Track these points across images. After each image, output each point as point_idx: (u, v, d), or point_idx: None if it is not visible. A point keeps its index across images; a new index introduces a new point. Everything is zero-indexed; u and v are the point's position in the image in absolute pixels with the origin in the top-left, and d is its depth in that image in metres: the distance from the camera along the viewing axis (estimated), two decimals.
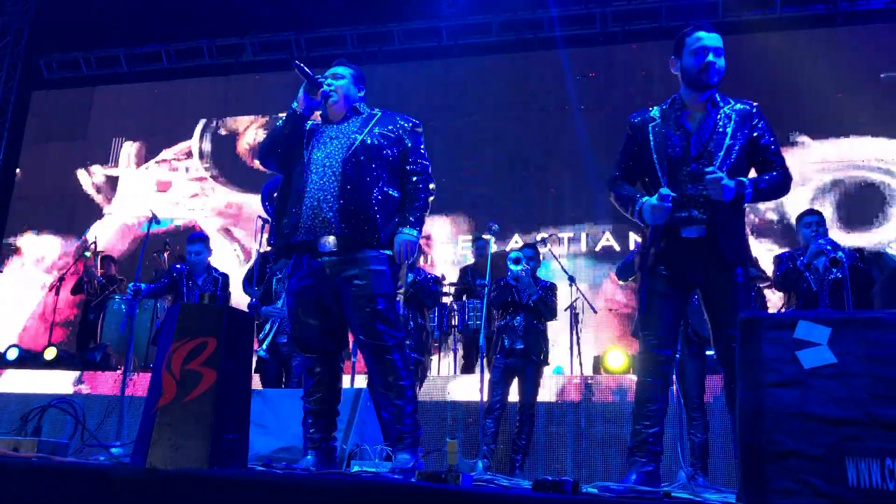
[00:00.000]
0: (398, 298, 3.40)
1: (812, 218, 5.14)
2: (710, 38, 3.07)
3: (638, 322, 3.34)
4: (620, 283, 5.55)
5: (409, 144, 3.29)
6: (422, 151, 3.34)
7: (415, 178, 3.27)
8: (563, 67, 10.08)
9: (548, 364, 5.68)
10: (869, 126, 9.06)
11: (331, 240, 3.08)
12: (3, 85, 11.85)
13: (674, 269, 3.06)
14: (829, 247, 4.83)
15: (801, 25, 9.81)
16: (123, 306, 7.78)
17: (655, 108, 3.24)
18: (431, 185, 3.31)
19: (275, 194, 3.41)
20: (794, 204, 8.39)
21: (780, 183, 3.09)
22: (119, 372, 6.49)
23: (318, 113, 3.36)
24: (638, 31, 10.19)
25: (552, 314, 5.65)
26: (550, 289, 5.65)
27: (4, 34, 11.93)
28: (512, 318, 5.49)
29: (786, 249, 5.43)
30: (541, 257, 5.92)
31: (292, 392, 4.98)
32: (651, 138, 3.13)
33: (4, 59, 11.90)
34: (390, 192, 3.21)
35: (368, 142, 3.19)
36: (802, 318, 2.07)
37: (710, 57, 3.04)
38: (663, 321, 3.07)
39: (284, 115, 3.27)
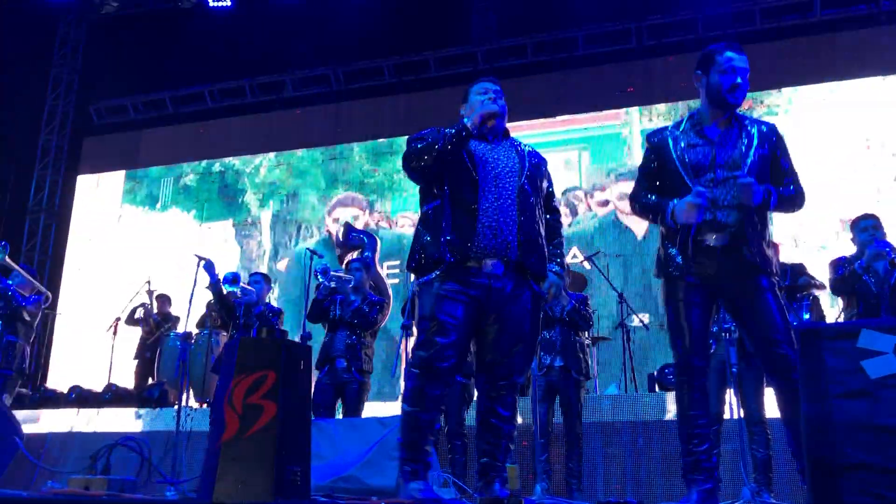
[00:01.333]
0: None
1: (868, 222, 5.01)
2: (741, 60, 3.11)
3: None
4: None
5: (548, 175, 3.34)
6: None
7: (557, 214, 3.37)
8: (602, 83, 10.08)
9: (589, 378, 5.58)
10: None
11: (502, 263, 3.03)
12: (56, 133, 12.29)
13: (700, 276, 3.04)
14: (888, 249, 4.72)
15: (842, 28, 9.65)
16: (178, 343, 7.93)
17: (671, 125, 3.28)
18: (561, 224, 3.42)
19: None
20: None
21: (798, 195, 3.12)
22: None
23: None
24: (674, 44, 10.14)
25: (587, 324, 5.52)
26: (583, 300, 5.52)
27: (56, 85, 12.39)
28: (547, 332, 5.36)
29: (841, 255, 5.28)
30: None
31: (348, 422, 5.02)
32: (672, 149, 3.15)
33: (57, 109, 12.35)
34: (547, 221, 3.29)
35: (529, 171, 3.19)
36: (865, 327, 2.03)
37: (739, 79, 3.07)
38: (693, 331, 3.03)
39: (452, 129, 3.09)
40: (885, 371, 1.95)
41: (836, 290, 5.17)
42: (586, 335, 5.76)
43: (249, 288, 6.06)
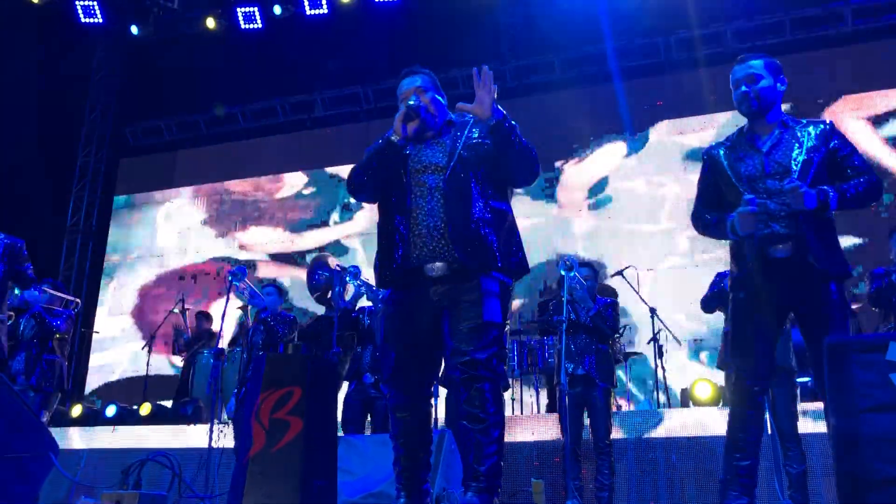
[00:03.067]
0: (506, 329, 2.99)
1: None
2: (739, 69, 3.16)
3: (726, 350, 3.27)
4: (706, 314, 5.33)
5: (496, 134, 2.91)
6: None
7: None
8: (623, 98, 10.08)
9: (616, 386, 5.45)
10: None
11: (439, 265, 2.82)
12: (94, 155, 12.57)
13: (765, 291, 3.00)
14: None
15: (877, 37, 9.54)
16: (211, 360, 8.01)
17: (724, 139, 3.29)
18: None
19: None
20: None
21: (867, 189, 3.00)
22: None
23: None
24: (705, 57, 10.09)
25: (613, 329, 5.32)
26: (611, 305, 5.33)
27: (93, 109, 12.69)
28: (571, 339, 5.12)
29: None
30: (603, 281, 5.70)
31: (377, 438, 5.03)
32: (724, 162, 3.16)
33: (94, 131, 12.64)
34: (502, 208, 2.93)
35: (463, 153, 2.92)
36: (894, 340, 2.01)
37: (743, 88, 3.11)
38: (756, 348, 2.99)
39: (376, 145, 2.99)
40: None
41: (873, 303, 5.09)
42: (615, 343, 5.64)
43: (258, 292, 6.06)
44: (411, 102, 2.98)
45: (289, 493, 2.29)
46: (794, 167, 3.00)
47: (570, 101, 10.52)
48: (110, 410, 8.21)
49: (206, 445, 5.45)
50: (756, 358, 2.99)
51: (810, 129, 3.10)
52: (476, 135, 2.96)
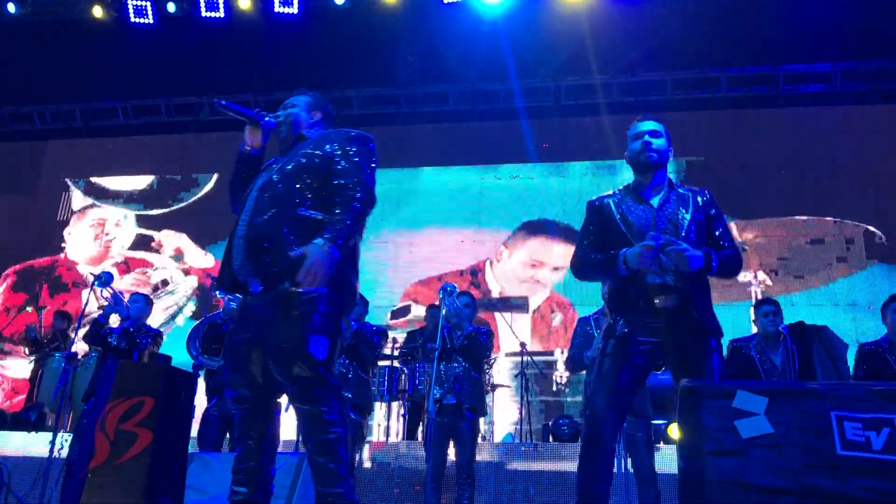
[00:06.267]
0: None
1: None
2: (645, 125, 3.29)
3: (590, 388, 3.29)
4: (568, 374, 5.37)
5: (342, 157, 2.86)
6: (362, 159, 2.88)
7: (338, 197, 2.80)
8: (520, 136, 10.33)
9: (485, 415, 5.44)
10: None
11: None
12: None
13: (647, 334, 3.04)
14: None
15: (746, 105, 10.26)
16: (62, 364, 7.54)
17: (611, 192, 3.35)
18: (360, 197, 2.76)
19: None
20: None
21: (735, 261, 3.16)
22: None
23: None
24: (592, 106, 10.49)
25: (484, 353, 5.33)
26: (486, 333, 5.33)
27: None
28: (444, 365, 5.10)
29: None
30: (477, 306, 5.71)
31: (233, 456, 4.84)
32: (615, 212, 3.21)
33: None
34: (310, 215, 2.79)
35: (289, 167, 2.88)
36: (741, 388, 2.11)
37: (647, 137, 3.22)
38: (622, 388, 3.03)
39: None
40: (756, 431, 2.02)
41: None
42: (486, 373, 5.68)
43: (124, 300, 5.79)
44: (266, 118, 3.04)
45: None
46: (684, 225, 3.11)
47: (460, 132, 10.69)
48: None
49: (47, 455, 5.11)
50: (617, 401, 3.03)
51: (697, 196, 3.24)
52: (308, 150, 2.92)
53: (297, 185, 2.79)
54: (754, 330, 5.32)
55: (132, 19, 10.77)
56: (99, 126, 11.85)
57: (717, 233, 3.20)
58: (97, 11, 10.79)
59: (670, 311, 3.02)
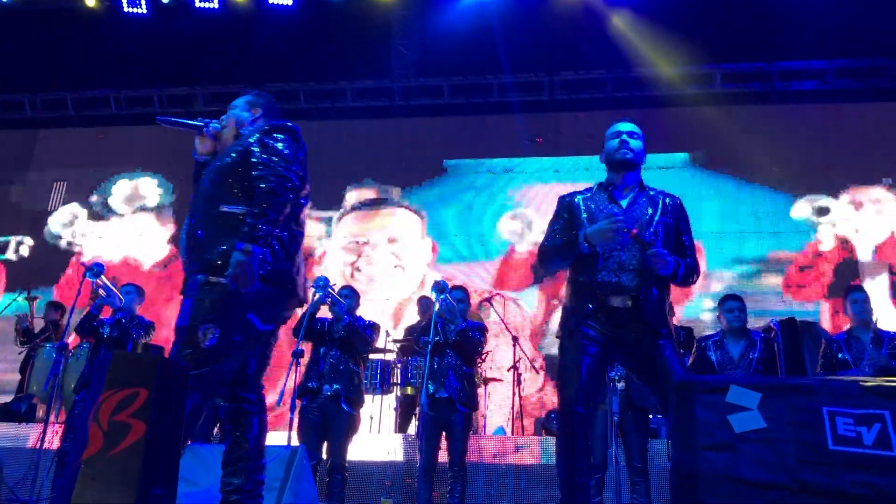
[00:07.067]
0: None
1: (859, 295, 4.98)
2: (623, 125, 3.37)
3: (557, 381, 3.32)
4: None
5: (258, 150, 2.89)
6: (276, 149, 2.89)
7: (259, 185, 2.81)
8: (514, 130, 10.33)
9: (476, 410, 5.50)
10: None
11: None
12: None
13: (599, 332, 3.09)
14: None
15: (739, 101, 10.28)
16: (54, 355, 7.50)
17: (582, 189, 3.41)
18: (272, 186, 2.77)
19: None
20: None
21: (692, 271, 3.22)
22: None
23: None
24: (586, 100, 10.50)
25: (476, 350, 5.37)
26: (479, 328, 5.36)
27: None
28: (436, 360, 5.14)
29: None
30: (471, 300, 5.67)
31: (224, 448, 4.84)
32: (583, 209, 3.27)
33: None
34: (230, 210, 2.83)
35: (216, 165, 2.98)
36: (734, 383, 2.12)
37: (624, 136, 3.30)
38: (582, 380, 3.04)
39: None
40: (749, 426, 2.04)
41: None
42: (478, 368, 5.70)
43: (116, 291, 5.79)
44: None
45: (122, 500, 2.14)
46: (651, 228, 3.15)
47: (454, 126, 10.69)
48: None
49: (37, 447, 5.09)
50: (582, 384, 3.03)
51: (666, 199, 3.29)
52: (236, 147, 2.99)
53: (221, 184, 2.88)
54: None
55: (125, 9, 10.70)
56: (91, 115, 11.79)
57: (683, 239, 3.26)
58: (90, 0, 10.72)
59: (621, 310, 3.06)
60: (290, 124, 3.04)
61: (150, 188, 11.29)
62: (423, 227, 10.29)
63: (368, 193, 10.63)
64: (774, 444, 2.00)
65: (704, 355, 4.87)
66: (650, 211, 3.21)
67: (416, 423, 5.33)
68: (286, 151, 2.91)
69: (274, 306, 2.88)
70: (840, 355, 4.73)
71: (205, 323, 2.67)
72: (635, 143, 3.30)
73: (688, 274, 3.18)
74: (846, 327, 4.99)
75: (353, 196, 10.64)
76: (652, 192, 3.31)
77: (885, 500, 1.85)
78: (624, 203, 3.24)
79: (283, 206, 2.80)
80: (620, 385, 4.56)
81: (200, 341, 2.65)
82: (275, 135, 2.95)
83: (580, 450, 3.03)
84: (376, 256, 10.20)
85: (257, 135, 2.96)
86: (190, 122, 3.10)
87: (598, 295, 3.08)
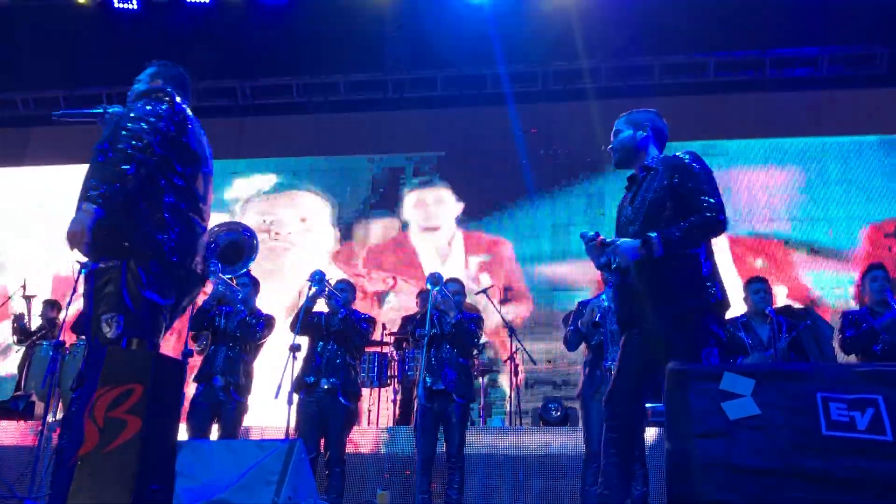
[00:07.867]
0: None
1: (879, 272, 5.08)
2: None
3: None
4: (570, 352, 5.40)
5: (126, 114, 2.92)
6: (130, 117, 2.87)
7: None
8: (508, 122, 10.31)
9: (474, 401, 5.50)
10: None
11: None
12: None
13: (622, 322, 3.19)
14: None
15: (733, 90, 10.26)
16: (51, 353, 7.49)
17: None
18: (119, 146, 2.77)
19: None
20: None
21: (689, 230, 2.95)
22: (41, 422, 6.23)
23: None
24: (580, 90, 10.46)
25: (472, 342, 5.38)
26: (475, 319, 5.37)
27: None
28: (433, 352, 5.13)
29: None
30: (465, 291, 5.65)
31: (224, 443, 4.85)
32: (616, 215, 3.39)
33: None
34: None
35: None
36: (728, 370, 2.13)
37: (611, 142, 3.36)
38: (621, 373, 3.07)
39: None
40: (743, 413, 2.04)
41: (849, 349, 5.06)
42: (474, 358, 5.72)
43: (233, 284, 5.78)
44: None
45: (119, 497, 2.15)
46: (641, 212, 3.14)
47: (447, 118, 10.66)
48: None
49: (35, 444, 5.10)
50: (620, 378, 3.08)
51: (660, 167, 3.15)
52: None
53: (101, 157, 2.78)
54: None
55: (116, 4, 10.65)
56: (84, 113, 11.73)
57: (684, 199, 3.02)
58: None
59: (633, 291, 3.08)
60: (168, 89, 3.02)
61: None
62: None
63: None
64: (769, 430, 2.01)
65: (735, 336, 4.94)
66: (647, 193, 3.16)
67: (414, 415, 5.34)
68: (140, 117, 2.85)
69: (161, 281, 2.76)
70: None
71: (107, 314, 2.62)
72: (616, 141, 3.33)
73: (680, 238, 2.93)
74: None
75: None
76: (653, 170, 3.17)
77: (879, 484, 1.86)
78: (631, 195, 3.29)
79: (121, 162, 2.72)
80: None
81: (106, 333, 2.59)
82: (143, 103, 2.91)
83: (626, 441, 3.14)
84: None
85: (130, 103, 2.95)
86: (88, 110, 3.06)
87: (616, 278, 3.21)
